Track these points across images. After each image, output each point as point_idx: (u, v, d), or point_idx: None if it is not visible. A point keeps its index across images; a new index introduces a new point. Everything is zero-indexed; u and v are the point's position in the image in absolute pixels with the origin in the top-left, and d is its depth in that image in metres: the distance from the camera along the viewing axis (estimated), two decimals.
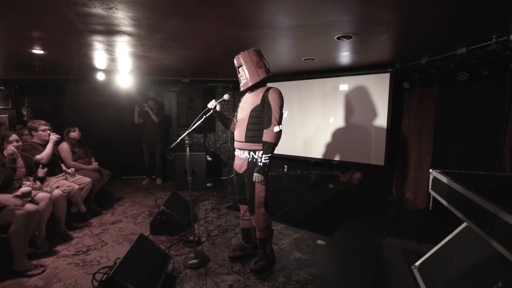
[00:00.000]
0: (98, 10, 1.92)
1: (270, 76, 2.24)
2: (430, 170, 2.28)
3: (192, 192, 2.52)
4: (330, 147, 4.63)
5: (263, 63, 2.21)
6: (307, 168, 5.59)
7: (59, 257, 2.56)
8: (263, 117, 2.17)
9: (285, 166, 5.65)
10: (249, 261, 2.42)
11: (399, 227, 3.21)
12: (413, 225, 3.30)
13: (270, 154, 2.13)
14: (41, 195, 2.58)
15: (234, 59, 2.25)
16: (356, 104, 4.31)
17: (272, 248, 2.47)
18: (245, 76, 2.22)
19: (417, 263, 2.23)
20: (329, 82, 4.54)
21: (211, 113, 2.34)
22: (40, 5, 1.84)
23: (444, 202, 1.93)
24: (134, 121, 4.96)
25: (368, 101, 4.19)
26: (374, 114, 4.16)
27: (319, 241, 2.87)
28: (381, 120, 4.08)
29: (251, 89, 2.25)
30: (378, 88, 4.08)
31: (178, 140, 2.36)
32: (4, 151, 2.46)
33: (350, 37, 2.57)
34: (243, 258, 2.51)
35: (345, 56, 3.38)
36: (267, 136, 2.13)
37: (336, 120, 4.53)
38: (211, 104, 2.30)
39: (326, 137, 4.64)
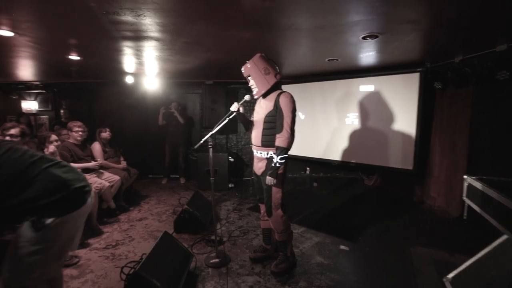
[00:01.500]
0: (128, 17, 2.02)
1: (280, 79, 2.24)
2: (465, 176, 2.14)
3: (214, 192, 2.57)
4: (354, 150, 4.50)
5: (271, 68, 2.21)
6: (330, 170, 5.47)
7: (91, 249, 2.72)
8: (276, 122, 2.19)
9: (308, 168, 5.58)
10: (270, 263, 2.42)
11: (429, 236, 3.03)
12: (446, 234, 3.09)
13: (283, 159, 2.14)
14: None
15: (242, 69, 2.28)
16: (382, 106, 4.14)
17: (293, 251, 2.45)
18: (255, 85, 2.25)
19: (450, 275, 2.09)
20: (354, 82, 4.41)
21: (234, 115, 2.38)
22: (78, 14, 1.98)
23: (479, 211, 1.79)
24: (158, 123, 5.14)
25: (395, 102, 4.01)
26: (401, 116, 3.97)
27: (342, 246, 2.80)
28: (410, 122, 3.89)
29: (264, 95, 2.28)
30: (406, 89, 3.90)
31: (201, 141, 2.42)
32: (45, 150, 2.67)
33: (376, 37, 2.48)
34: (264, 260, 2.52)
35: (370, 56, 3.27)
36: (279, 141, 2.15)
37: (361, 122, 4.39)
38: (234, 107, 2.33)
39: (350, 140, 4.51)
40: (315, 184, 4.85)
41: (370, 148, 4.31)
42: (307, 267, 2.43)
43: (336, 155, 4.71)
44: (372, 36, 2.45)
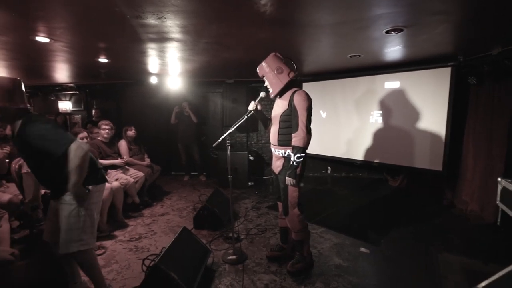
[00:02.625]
0: (150, 20, 2.10)
1: (294, 77, 2.18)
2: (499, 179, 1.97)
3: (233, 190, 2.60)
4: (377, 149, 4.32)
5: (285, 66, 2.17)
6: (353, 170, 5.30)
7: (117, 241, 2.88)
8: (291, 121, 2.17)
9: (329, 167, 5.46)
10: (286, 262, 2.41)
11: (459, 242, 2.83)
12: (478, 241, 2.87)
13: (300, 158, 2.10)
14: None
15: (257, 69, 2.28)
16: (409, 103, 3.93)
17: (310, 251, 2.41)
18: (270, 85, 2.25)
19: (482, 285, 1.94)
20: (378, 79, 4.23)
21: (252, 113, 2.39)
22: (105, 19, 2.10)
23: None
24: (171, 121, 5.26)
25: (424, 99, 3.79)
26: (430, 114, 3.75)
27: (362, 249, 2.70)
28: (440, 120, 3.66)
29: (280, 94, 2.26)
30: (436, 85, 3.66)
31: (219, 140, 2.46)
32: None
33: (401, 30, 2.35)
34: (281, 259, 2.50)
35: (396, 50, 3.11)
36: (295, 140, 2.11)
37: (385, 120, 4.21)
38: (251, 106, 2.35)
39: (374, 138, 4.34)
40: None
41: (395, 148, 4.11)
42: (324, 268, 2.39)
43: (358, 155, 4.55)
44: (396, 29, 2.34)
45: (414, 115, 3.89)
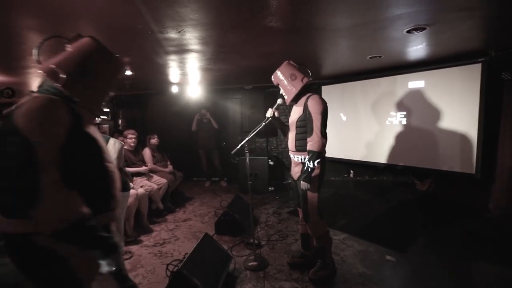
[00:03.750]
0: (171, 34, 2.20)
1: (308, 83, 2.20)
2: None
3: (254, 195, 2.62)
4: (402, 152, 4.14)
5: (298, 72, 2.20)
6: (376, 174, 5.11)
7: (142, 246, 2.99)
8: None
9: (351, 171, 5.31)
10: (308, 269, 2.37)
11: (495, 250, 2.63)
12: None
13: (316, 163, 2.09)
14: (130, 192, 3.08)
15: (272, 78, 2.33)
16: (435, 103, 3.75)
17: (332, 258, 2.36)
18: (284, 93, 2.28)
19: None
20: (400, 79, 4.07)
21: (270, 120, 2.40)
22: (129, 36, 2.22)
23: None
24: (192, 129, 5.38)
25: (451, 98, 3.59)
26: (459, 113, 3.53)
27: (388, 257, 2.59)
28: (470, 120, 3.43)
29: (295, 100, 2.26)
30: (465, 82, 3.45)
31: (238, 146, 2.51)
32: None
33: (423, 29, 2.26)
34: (302, 266, 2.47)
35: (419, 49, 2.99)
36: (310, 145, 2.11)
37: (409, 121, 4.03)
38: (269, 113, 2.37)
39: (398, 140, 4.17)
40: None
41: (421, 150, 3.92)
42: (348, 276, 2.32)
43: (381, 158, 4.39)
44: (418, 29, 2.25)
45: (442, 115, 3.69)
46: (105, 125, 6.34)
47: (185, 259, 2.07)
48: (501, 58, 3.16)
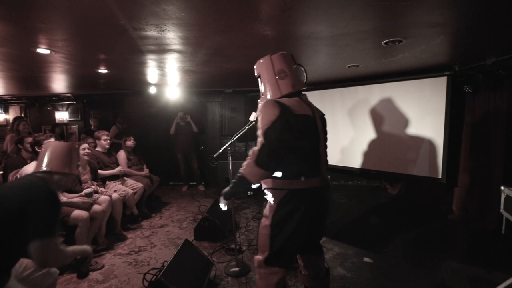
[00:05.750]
0: (153, 32, 2.11)
1: (296, 90, 1.62)
2: (502, 188, 1.98)
3: (234, 200, 2.57)
4: (376, 157, 4.34)
5: (292, 74, 1.63)
6: (351, 178, 5.31)
7: (115, 255, 2.81)
8: None
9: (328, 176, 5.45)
10: (291, 273, 2.36)
11: (462, 250, 2.84)
12: (481, 248, 2.88)
13: (230, 188, 1.64)
14: (102, 198, 2.89)
15: (255, 65, 1.75)
16: (407, 111, 3.98)
17: None
18: (263, 89, 1.68)
19: None
20: (376, 88, 4.29)
21: (253, 124, 2.38)
22: (108, 32, 2.10)
23: None
24: (170, 132, 5.18)
25: (421, 107, 3.84)
26: (428, 122, 3.79)
27: (366, 259, 2.68)
28: (437, 128, 3.70)
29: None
30: (433, 93, 3.72)
31: (221, 150, 2.46)
32: None
33: (400, 41, 2.40)
34: None
35: (394, 61, 3.17)
36: (243, 164, 1.51)
37: (383, 128, 4.24)
38: (253, 116, 2.34)
39: (372, 147, 4.37)
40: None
41: (394, 156, 4.14)
42: None
43: (356, 163, 4.57)
44: (395, 41, 2.39)
45: (412, 123, 3.93)
46: (74, 126, 5.95)
47: (165, 267, 1.97)
48: (463, 72, 3.46)
